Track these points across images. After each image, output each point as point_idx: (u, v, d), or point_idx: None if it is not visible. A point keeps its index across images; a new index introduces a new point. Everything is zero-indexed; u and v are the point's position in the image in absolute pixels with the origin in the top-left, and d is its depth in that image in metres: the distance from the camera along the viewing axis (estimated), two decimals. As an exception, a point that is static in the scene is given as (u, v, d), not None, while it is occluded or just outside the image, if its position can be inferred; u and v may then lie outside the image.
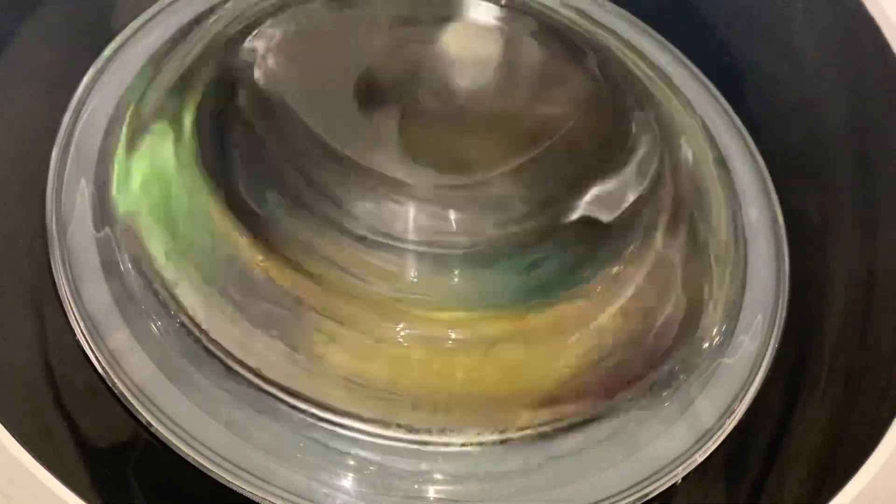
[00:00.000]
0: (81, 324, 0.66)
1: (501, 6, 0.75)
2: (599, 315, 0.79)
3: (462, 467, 0.75)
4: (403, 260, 0.87)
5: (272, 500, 0.71)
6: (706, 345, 0.66)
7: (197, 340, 0.74)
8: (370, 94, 0.82)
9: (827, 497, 0.60)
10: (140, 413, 0.68)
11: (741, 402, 0.61)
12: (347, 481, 0.73)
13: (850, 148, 0.52)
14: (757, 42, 0.50)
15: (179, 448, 0.69)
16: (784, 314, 0.57)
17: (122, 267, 0.70)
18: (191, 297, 0.75)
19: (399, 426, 0.76)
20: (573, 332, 0.80)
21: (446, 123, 0.82)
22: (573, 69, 0.78)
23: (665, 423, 0.67)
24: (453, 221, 0.88)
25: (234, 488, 0.70)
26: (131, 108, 0.65)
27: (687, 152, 0.69)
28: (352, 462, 0.74)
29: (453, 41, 0.79)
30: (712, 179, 0.62)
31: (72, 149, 0.61)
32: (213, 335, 0.75)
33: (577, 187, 0.83)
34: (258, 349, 0.77)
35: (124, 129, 0.66)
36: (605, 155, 0.81)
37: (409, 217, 0.87)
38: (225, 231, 0.81)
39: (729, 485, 0.64)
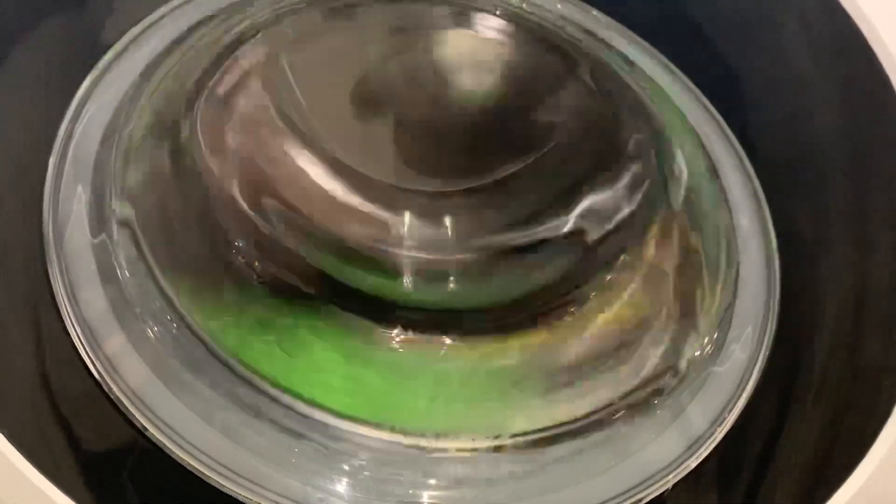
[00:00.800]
0: (78, 329, 0.66)
1: (495, 15, 0.75)
2: (592, 323, 0.80)
3: (456, 473, 0.75)
4: (399, 266, 0.87)
5: (267, 504, 0.71)
6: (697, 353, 0.66)
7: (193, 346, 0.74)
8: (366, 101, 0.82)
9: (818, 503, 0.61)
10: (136, 418, 0.68)
11: (732, 410, 0.61)
12: (342, 486, 0.73)
13: (842, 158, 0.52)
14: (749, 53, 0.50)
15: (175, 453, 0.69)
16: (774, 324, 0.57)
17: (118, 273, 0.70)
18: (187, 303, 0.75)
19: (393, 431, 0.76)
20: (566, 339, 0.80)
21: (441, 131, 0.82)
22: (566, 79, 0.78)
23: (657, 429, 0.68)
24: (448, 228, 0.88)
25: (230, 493, 0.70)
26: (129, 113, 0.65)
27: (679, 162, 0.69)
28: (346, 467, 0.74)
29: (448, 50, 0.79)
30: (703, 187, 0.62)
31: (69, 156, 0.62)
32: (208, 340, 0.75)
33: (571, 196, 0.83)
34: (254, 354, 0.77)
35: (121, 135, 0.66)
36: (598, 164, 0.81)
37: (405, 224, 0.88)
38: (221, 236, 0.81)
39: (720, 492, 0.64)
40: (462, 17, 0.76)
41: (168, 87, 0.68)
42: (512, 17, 0.73)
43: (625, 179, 0.79)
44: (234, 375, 0.76)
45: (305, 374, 0.79)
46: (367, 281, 0.86)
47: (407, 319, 0.84)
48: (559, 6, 0.57)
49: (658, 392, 0.69)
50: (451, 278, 0.87)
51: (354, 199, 0.86)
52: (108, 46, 0.56)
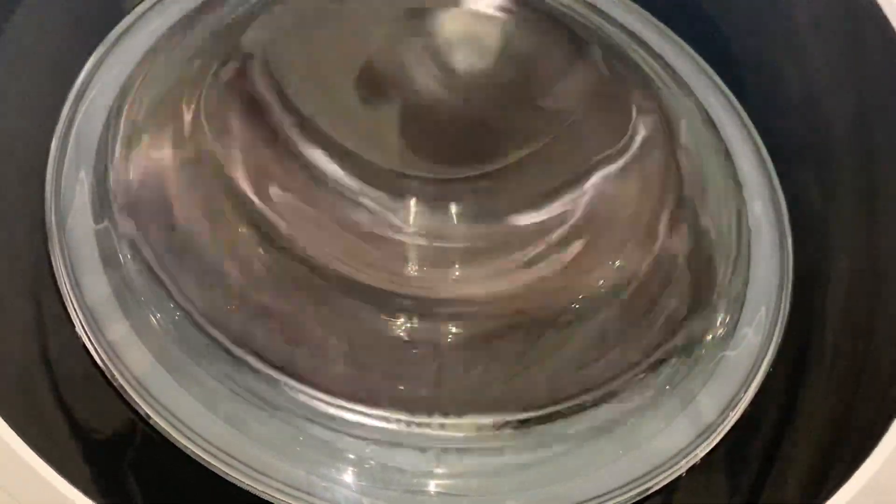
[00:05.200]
0: (80, 315, 0.65)
1: (504, -4, 0.75)
2: (601, 308, 0.79)
3: (462, 461, 0.75)
4: (404, 252, 0.87)
5: (271, 493, 0.70)
6: (709, 338, 0.66)
7: (196, 333, 0.74)
8: (371, 85, 0.82)
9: (830, 491, 0.60)
10: (139, 405, 0.68)
11: (744, 395, 0.61)
12: (347, 475, 0.73)
13: (854, 140, 0.52)
14: (761, 33, 0.50)
15: (178, 441, 0.69)
16: (787, 306, 0.57)
17: (121, 259, 0.70)
18: (190, 289, 0.74)
19: (399, 420, 0.76)
20: (574, 324, 0.80)
21: (448, 115, 0.82)
22: (576, 60, 0.78)
23: (666, 417, 0.67)
24: (454, 214, 0.87)
25: (233, 482, 0.70)
26: (132, 98, 0.65)
27: (691, 145, 0.68)
28: (351, 456, 0.74)
29: (456, 32, 0.78)
30: (716, 171, 0.62)
31: (71, 139, 0.61)
32: (212, 328, 0.75)
33: (580, 180, 0.83)
34: (258, 342, 0.76)
35: (124, 119, 0.66)
36: (608, 147, 0.81)
37: (410, 209, 0.87)
38: (224, 222, 0.80)
39: (731, 479, 0.64)
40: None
41: (171, 70, 0.68)
42: (523, -1, 0.73)
43: (634, 165, 0.79)
44: (237, 364, 0.75)
45: (308, 362, 0.78)
46: (372, 267, 0.85)
47: (411, 306, 0.83)
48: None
49: (668, 379, 0.68)
50: (456, 265, 0.87)
51: (358, 186, 0.86)
52: (115, 23, 0.55)
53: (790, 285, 0.56)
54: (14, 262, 0.63)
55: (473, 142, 0.84)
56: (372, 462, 0.74)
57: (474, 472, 0.74)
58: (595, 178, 0.82)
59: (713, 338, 0.65)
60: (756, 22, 0.50)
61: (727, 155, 0.57)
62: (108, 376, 0.67)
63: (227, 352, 0.75)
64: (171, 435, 0.68)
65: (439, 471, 0.74)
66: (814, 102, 0.51)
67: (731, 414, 0.62)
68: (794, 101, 0.51)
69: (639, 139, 0.78)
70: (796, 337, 0.57)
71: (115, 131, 0.66)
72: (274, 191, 0.84)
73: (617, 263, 0.80)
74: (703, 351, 0.66)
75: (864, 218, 0.54)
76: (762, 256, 0.58)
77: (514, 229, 0.86)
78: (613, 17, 0.54)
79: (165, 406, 0.69)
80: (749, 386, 0.60)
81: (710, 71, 0.52)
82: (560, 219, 0.84)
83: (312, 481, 0.72)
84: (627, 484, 0.67)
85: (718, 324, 0.65)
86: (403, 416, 0.76)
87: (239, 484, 0.70)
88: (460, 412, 0.75)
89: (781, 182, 0.53)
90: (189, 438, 0.69)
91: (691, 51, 0.51)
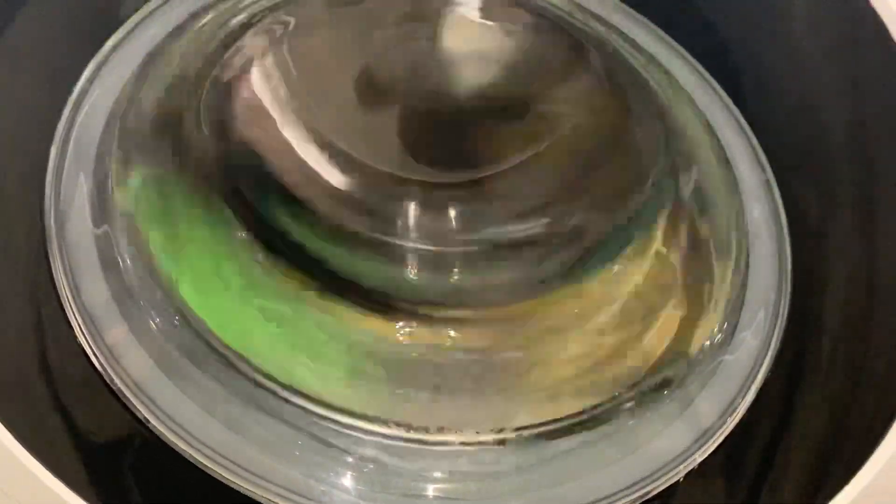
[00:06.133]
0: (79, 319, 0.65)
1: (505, 2, 0.75)
2: (599, 314, 0.79)
3: (460, 466, 0.75)
4: (403, 258, 0.87)
5: (270, 497, 0.70)
6: (707, 343, 0.66)
7: (195, 337, 0.74)
8: (371, 89, 0.82)
9: (827, 496, 0.60)
10: (137, 409, 0.68)
11: (742, 399, 0.61)
12: (346, 479, 0.73)
13: (852, 144, 0.52)
14: (759, 38, 0.50)
15: (177, 445, 0.69)
16: (786, 311, 0.57)
17: (120, 263, 0.70)
18: (189, 294, 0.74)
19: (398, 424, 0.76)
20: (572, 331, 0.80)
21: (447, 120, 0.82)
22: (575, 66, 0.78)
23: (665, 422, 0.67)
24: (453, 219, 0.87)
25: (232, 486, 0.70)
26: (131, 103, 0.65)
27: (689, 151, 0.68)
28: (350, 460, 0.74)
29: (454, 37, 0.79)
30: (714, 176, 0.62)
31: (71, 144, 0.61)
32: (211, 332, 0.75)
33: (578, 185, 0.83)
34: (257, 346, 0.76)
35: (123, 124, 0.66)
36: (606, 152, 0.81)
37: (410, 214, 0.87)
38: (224, 228, 0.80)
39: (729, 483, 0.64)
40: (468, 3, 0.76)
41: (171, 75, 0.68)
42: (520, 2, 0.73)
43: (633, 170, 0.79)
44: (236, 368, 0.75)
45: (307, 367, 0.78)
46: (371, 272, 0.85)
47: (410, 311, 0.83)
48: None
49: (667, 383, 0.69)
50: (455, 270, 0.87)
51: (358, 189, 0.86)
52: (114, 28, 0.55)
53: (788, 290, 0.56)
54: (13, 265, 0.63)
55: (473, 146, 0.84)
56: (370, 466, 0.74)
57: (473, 475, 0.74)
58: (594, 184, 0.82)
59: (711, 343, 0.65)
60: (754, 29, 0.50)
61: (726, 160, 0.57)
62: (107, 380, 0.67)
63: (226, 356, 0.75)
64: (169, 439, 0.68)
65: (437, 475, 0.74)
66: (812, 108, 0.51)
67: (730, 419, 0.62)
68: (792, 107, 0.51)
69: (638, 146, 0.78)
70: (794, 341, 0.58)
71: (114, 136, 0.65)
72: (273, 195, 0.84)
73: (615, 268, 0.80)
74: (701, 356, 0.66)
75: (861, 223, 0.54)
76: (760, 261, 0.59)
77: (513, 234, 0.86)
78: (612, 23, 0.54)
79: (164, 410, 0.69)
80: (747, 390, 0.61)
81: (709, 77, 0.52)
82: (559, 223, 0.84)
83: (311, 485, 0.72)
84: (626, 488, 0.67)
85: (716, 329, 0.65)
86: (402, 423, 0.76)
87: (237, 488, 0.70)
88: (459, 423, 0.75)
89: (780, 187, 0.54)
90: (188, 442, 0.69)
91: (690, 57, 0.52)
